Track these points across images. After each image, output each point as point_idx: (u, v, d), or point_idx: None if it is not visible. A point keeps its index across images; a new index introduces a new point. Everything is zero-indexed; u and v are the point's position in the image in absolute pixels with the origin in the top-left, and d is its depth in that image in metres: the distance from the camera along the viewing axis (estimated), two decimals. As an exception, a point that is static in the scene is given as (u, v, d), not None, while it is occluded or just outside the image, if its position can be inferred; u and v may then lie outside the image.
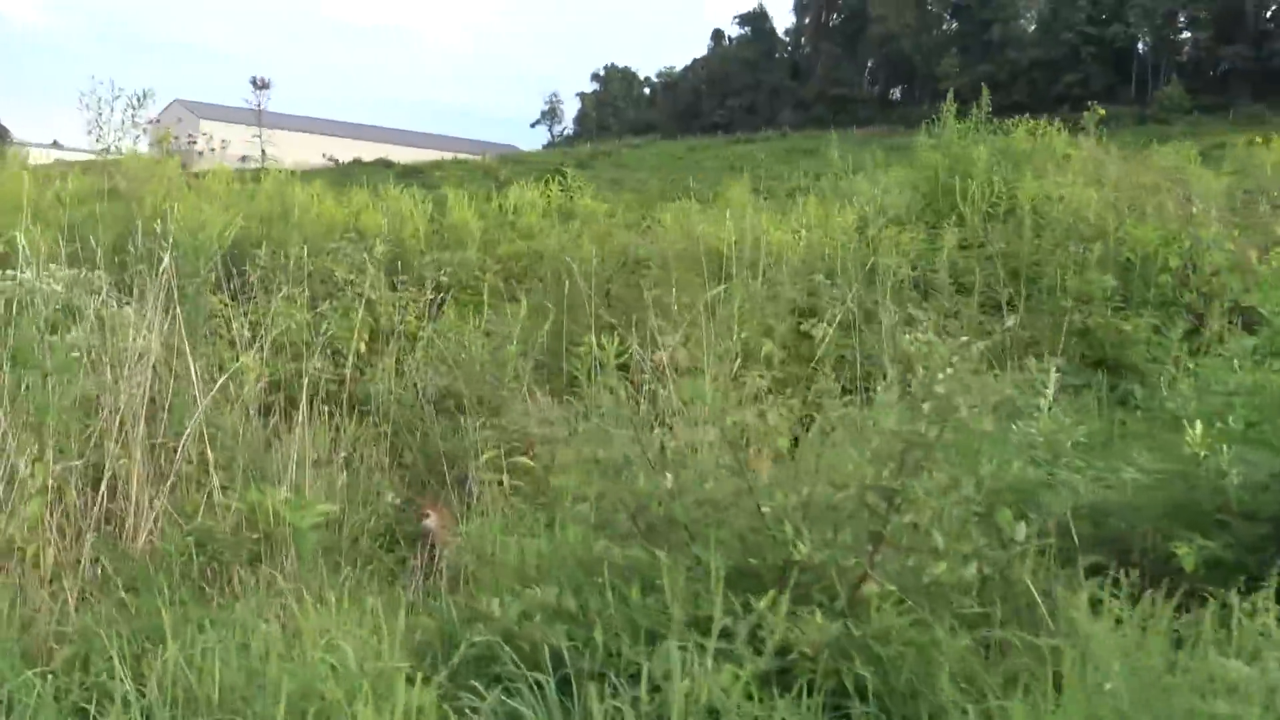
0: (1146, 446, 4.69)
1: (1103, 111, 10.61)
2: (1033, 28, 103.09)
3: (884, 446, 3.34)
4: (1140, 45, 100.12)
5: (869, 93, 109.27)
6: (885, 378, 6.58)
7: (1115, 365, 6.67)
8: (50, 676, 3.10)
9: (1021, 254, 7.30)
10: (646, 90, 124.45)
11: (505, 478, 4.67)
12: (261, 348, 5.10)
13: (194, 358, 4.42)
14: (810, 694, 3.04)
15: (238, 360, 4.82)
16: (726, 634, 3.11)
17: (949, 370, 3.59)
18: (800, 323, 6.83)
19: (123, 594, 3.39)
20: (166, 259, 4.34)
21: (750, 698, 2.90)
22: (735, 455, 3.36)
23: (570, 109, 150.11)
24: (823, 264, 7.40)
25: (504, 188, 11.93)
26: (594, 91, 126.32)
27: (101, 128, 9.18)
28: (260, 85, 26.28)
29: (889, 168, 11.19)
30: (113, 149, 8.82)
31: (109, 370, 4.00)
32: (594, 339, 5.73)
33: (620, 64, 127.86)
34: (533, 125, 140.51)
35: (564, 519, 4.43)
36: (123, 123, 9.26)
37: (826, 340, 6.52)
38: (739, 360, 6.24)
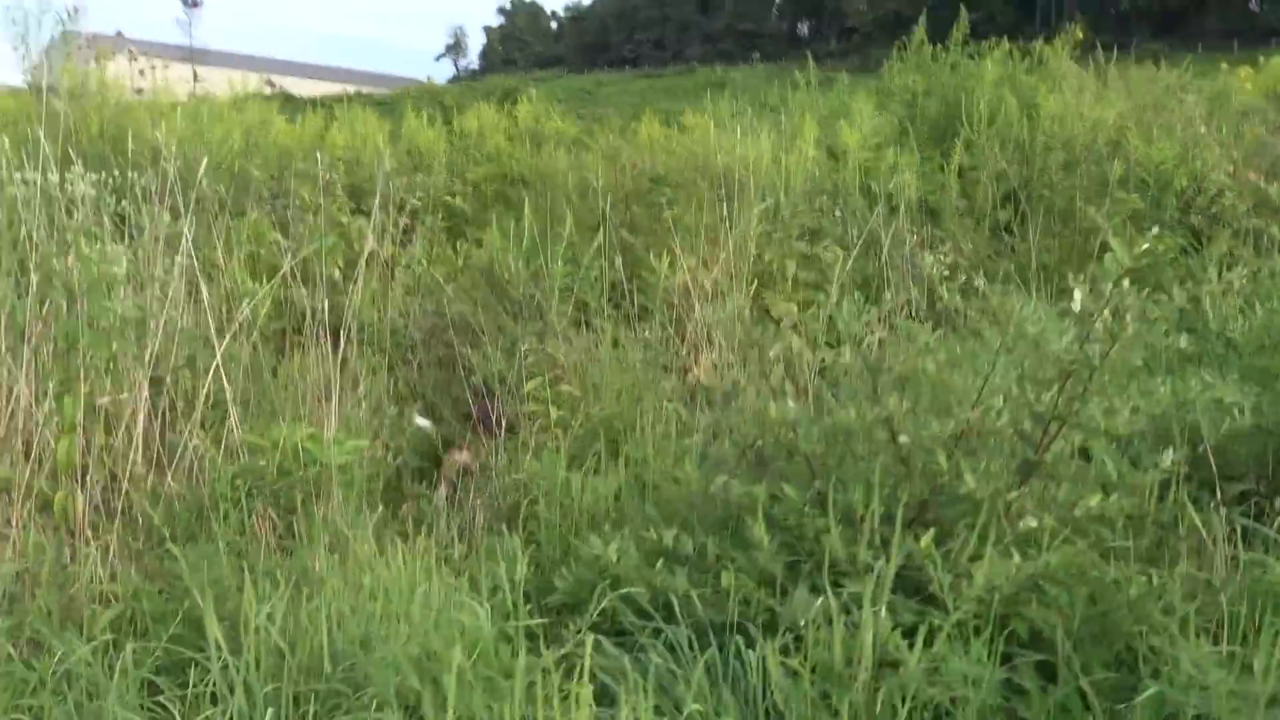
0: (1219, 370, 4.45)
1: (1081, 35, 10.40)
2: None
3: (1036, 369, 3.01)
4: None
5: (777, 28, 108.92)
6: (910, 303, 6.30)
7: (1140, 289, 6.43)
8: (109, 646, 2.65)
9: (1033, 174, 7.02)
10: (554, 24, 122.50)
11: (552, 410, 4.25)
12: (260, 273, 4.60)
13: (209, 280, 3.94)
14: (967, 641, 2.72)
15: (253, 284, 4.33)
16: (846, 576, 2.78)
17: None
18: (810, 245, 6.48)
19: (170, 545, 2.92)
20: (171, 171, 3.79)
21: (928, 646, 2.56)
22: (874, 379, 3.00)
23: (476, 43, 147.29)
24: (826, 187, 7.05)
25: (450, 113, 11.38)
26: (500, 25, 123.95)
27: (28, 45, 8.42)
28: (192, 3, 24.94)
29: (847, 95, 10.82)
30: (45, 68, 8.09)
31: (153, 289, 3.49)
32: (609, 261, 5.32)
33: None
34: (437, 59, 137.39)
35: (635, 454, 4.06)
36: (51, 39, 8.51)
37: (841, 264, 6.18)
38: (755, 284, 5.89)
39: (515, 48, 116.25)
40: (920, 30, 10.81)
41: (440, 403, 5.35)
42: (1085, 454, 3.17)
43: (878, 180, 7.34)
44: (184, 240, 3.60)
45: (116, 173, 4.10)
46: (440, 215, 7.86)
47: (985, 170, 7.23)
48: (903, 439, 2.96)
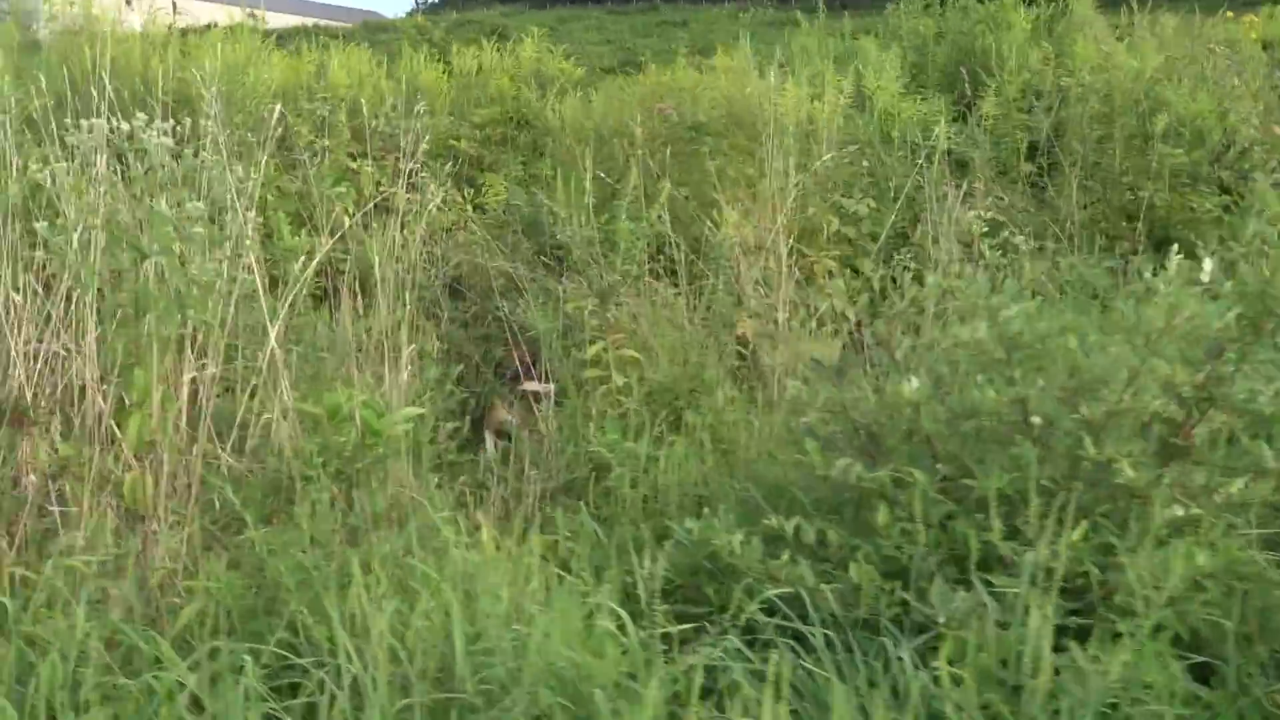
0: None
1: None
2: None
3: (1173, 347, 2.81)
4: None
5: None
6: (949, 258, 6.09)
7: (1181, 246, 6.26)
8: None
9: (1066, 126, 6.81)
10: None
11: (616, 376, 4.03)
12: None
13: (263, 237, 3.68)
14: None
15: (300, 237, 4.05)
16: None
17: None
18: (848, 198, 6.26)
19: (252, 532, 2.68)
20: (213, 111, 3.48)
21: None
22: (1009, 355, 2.80)
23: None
24: (860, 136, 6.81)
25: (447, 50, 10.99)
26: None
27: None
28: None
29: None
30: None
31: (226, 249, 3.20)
32: (655, 216, 5.06)
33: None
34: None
35: (702, 423, 3.84)
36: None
37: (883, 219, 5.97)
38: (794, 238, 5.65)
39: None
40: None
41: (475, 358, 5.12)
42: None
43: (902, 129, 7.11)
44: (253, 192, 3.32)
45: (145, 116, 3.78)
46: (447, 160, 7.56)
47: (1012, 120, 7.01)
48: (1035, 420, 2.78)
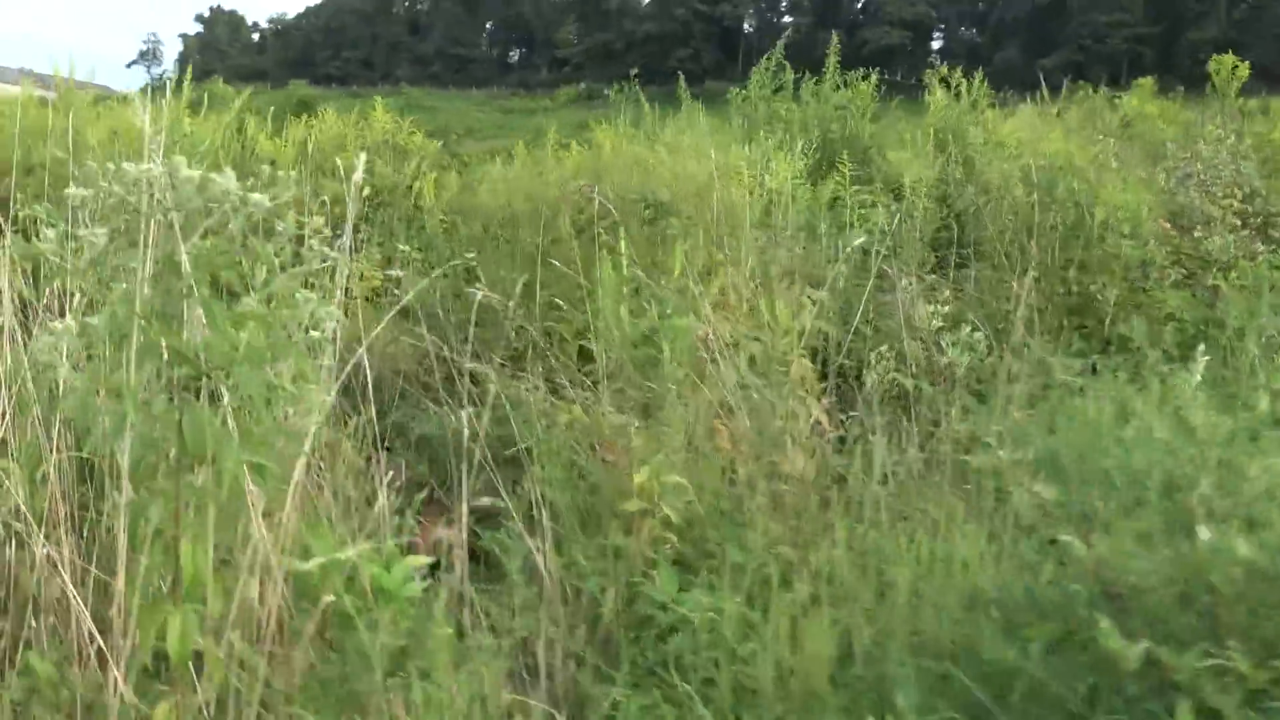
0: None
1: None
2: (647, 1, 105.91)
3: None
4: (746, 25, 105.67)
5: (488, 54, 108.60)
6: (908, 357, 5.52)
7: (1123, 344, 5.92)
8: None
9: (993, 216, 6.44)
10: (255, 36, 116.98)
11: (667, 509, 3.20)
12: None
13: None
14: None
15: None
16: None
17: None
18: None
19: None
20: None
21: None
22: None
23: (172, 51, 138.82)
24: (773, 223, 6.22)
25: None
26: (198, 34, 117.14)
27: None
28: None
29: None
30: None
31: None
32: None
33: (227, 7, 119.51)
34: (129, 66, 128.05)
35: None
36: None
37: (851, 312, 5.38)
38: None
39: (215, 58, 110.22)
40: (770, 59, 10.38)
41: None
42: None
43: (804, 213, 6.58)
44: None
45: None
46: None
47: (925, 211, 6.57)
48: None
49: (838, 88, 9.59)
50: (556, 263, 4.54)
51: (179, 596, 1.85)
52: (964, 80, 8.63)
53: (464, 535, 3.43)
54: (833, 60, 9.94)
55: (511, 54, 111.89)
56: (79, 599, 1.94)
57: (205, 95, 8.42)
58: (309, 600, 2.58)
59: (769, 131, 8.07)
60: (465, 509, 3.41)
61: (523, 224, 5.33)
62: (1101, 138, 7.48)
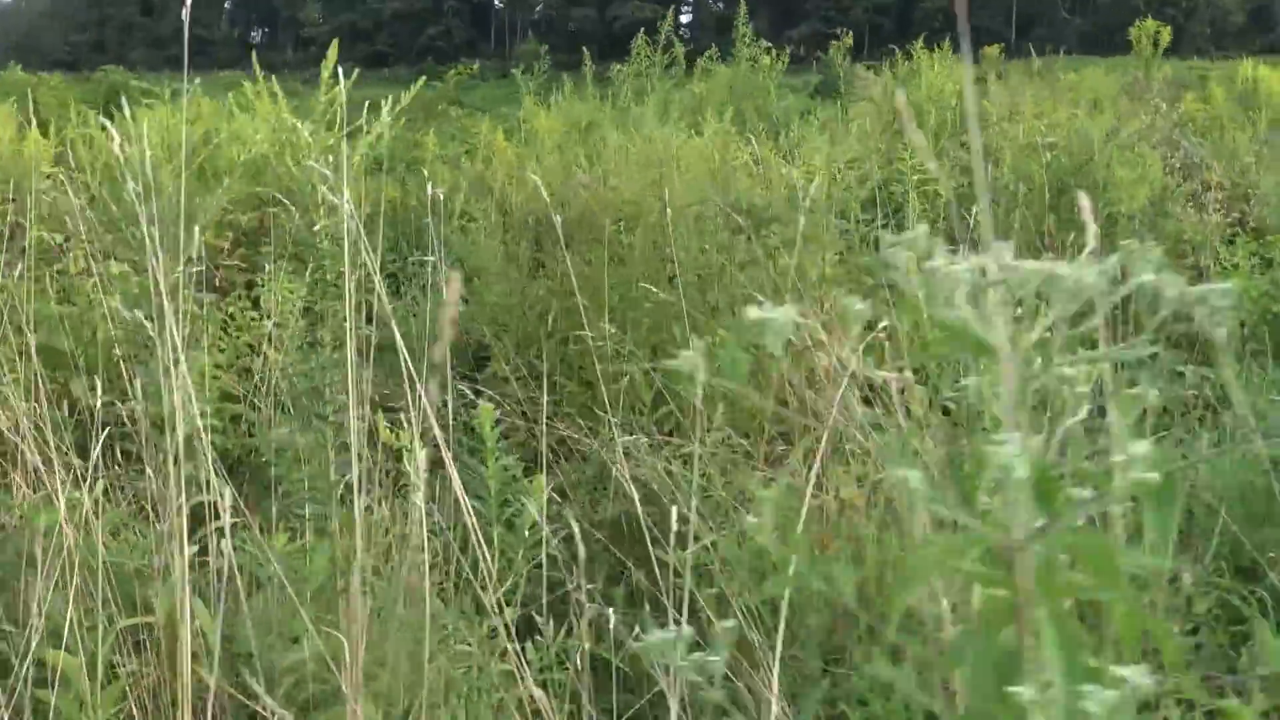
0: None
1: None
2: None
3: None
4: (497, 1, 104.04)
5: (229, 34, 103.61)
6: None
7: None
8: None
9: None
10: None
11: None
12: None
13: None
14: None
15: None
16: None
17: None
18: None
19: None
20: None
21: None
22: None
23: None
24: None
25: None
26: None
27: None
28: None
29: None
30: None
31: None
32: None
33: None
34: None
35: None
36: None
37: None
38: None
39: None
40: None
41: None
42: None
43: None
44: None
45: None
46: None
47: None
48: None
49: (752, 62, 8.87)
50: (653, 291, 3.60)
51: None
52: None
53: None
54: (742, 28, 9.22)
55: (254, 34, 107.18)
56: None
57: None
58: None
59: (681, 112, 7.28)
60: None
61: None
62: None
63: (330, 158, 2.98)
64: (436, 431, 1.73)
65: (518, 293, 4.25)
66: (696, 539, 2.89)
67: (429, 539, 2.07)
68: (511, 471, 2.37)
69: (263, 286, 4.66)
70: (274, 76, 7.68)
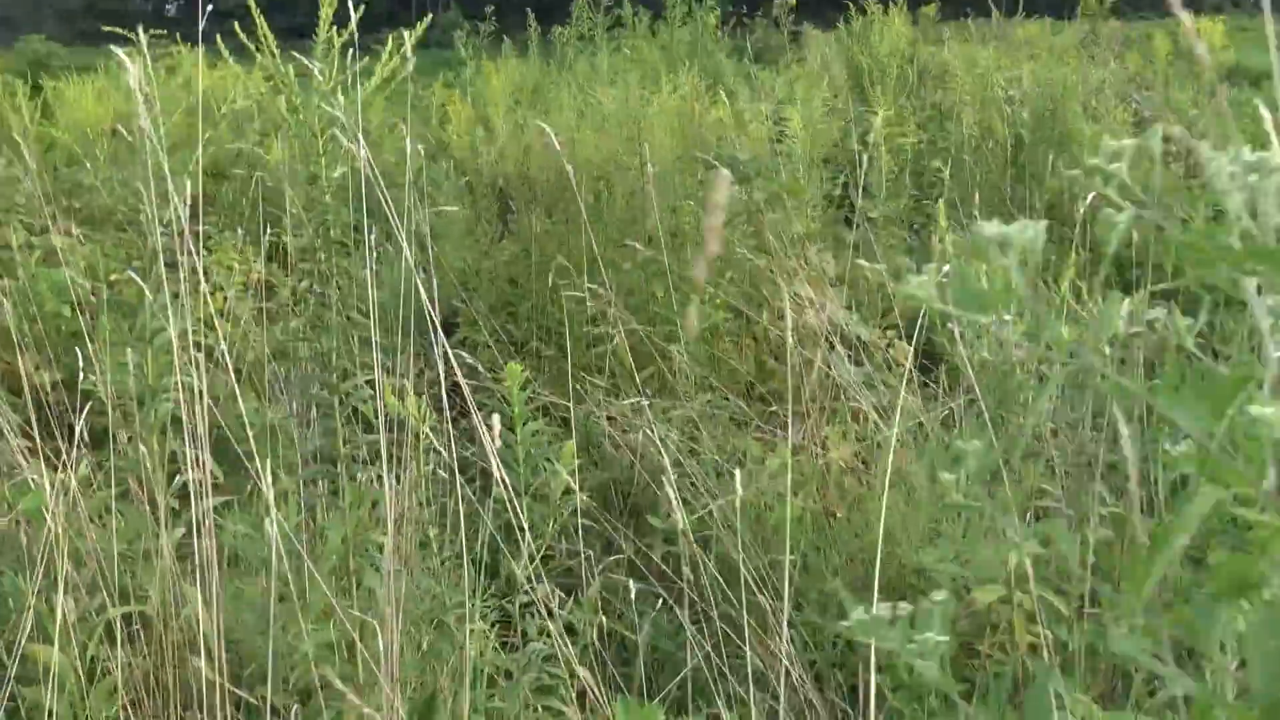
0: None
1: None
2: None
3: None
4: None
5: (142, 7, 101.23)
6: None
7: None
8: None
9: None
10: None
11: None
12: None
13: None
14: None
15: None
16: None
17: None
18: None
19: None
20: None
21: None
22: None
23: None
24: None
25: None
26: None
27: None
28: None
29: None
30: None
31: None
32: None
33: None
34: None
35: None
36: None
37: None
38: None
39: None
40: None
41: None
42: None
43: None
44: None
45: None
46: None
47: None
48: None
49: (684, 22, 8.65)
50: (638, 246, 3.47)
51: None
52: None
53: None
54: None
55: (169, 7, 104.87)
56: None
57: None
58: None
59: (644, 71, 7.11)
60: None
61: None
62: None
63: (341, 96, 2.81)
64: (466, 393, 1.60)
65: (487, 255, 4.10)
66: (686, 504, 2.79)
67: (445, 509, 1.94)
68: (544, 436, 2.24)
69: (210, 254, 4.45)
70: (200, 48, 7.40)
